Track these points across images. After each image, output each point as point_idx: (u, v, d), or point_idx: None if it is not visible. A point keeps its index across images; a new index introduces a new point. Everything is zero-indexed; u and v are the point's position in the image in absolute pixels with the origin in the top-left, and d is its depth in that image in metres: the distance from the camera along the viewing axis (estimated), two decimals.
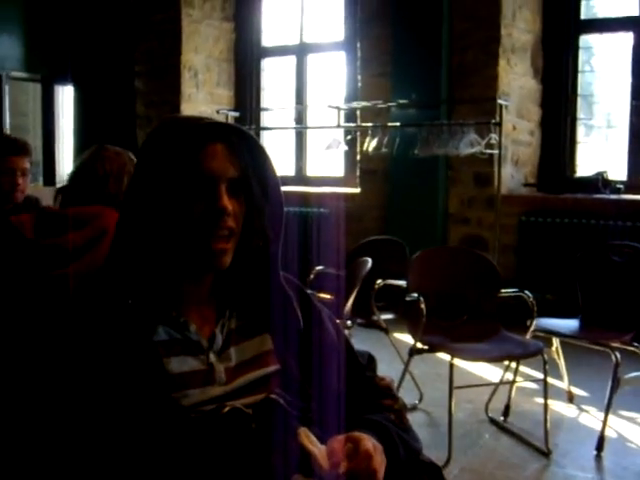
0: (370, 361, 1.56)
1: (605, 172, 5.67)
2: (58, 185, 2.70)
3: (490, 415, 3.74)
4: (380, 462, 1.20)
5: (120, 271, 1.27)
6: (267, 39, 7.49)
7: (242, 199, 1.30)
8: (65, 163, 7.96)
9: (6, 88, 7.41)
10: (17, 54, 7.45)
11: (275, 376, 1.32)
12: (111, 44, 7.25)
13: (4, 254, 2.43)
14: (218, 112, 6.80)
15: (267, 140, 7.45)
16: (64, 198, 2.48)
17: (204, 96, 7.30)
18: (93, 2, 7.31)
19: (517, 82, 5.93)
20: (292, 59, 7.27)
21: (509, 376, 3.80)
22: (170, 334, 1.27)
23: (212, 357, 1.29)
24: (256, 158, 1.32)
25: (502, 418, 3.71)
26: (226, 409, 1.21)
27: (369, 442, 1.20)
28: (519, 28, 5.90)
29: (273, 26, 7.48)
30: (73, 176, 2.50)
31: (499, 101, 5.51)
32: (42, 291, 2.35)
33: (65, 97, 7.88)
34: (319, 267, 4.31)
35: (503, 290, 3.79)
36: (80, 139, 7.70)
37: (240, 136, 1.30)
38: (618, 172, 5.80)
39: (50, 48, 7.65)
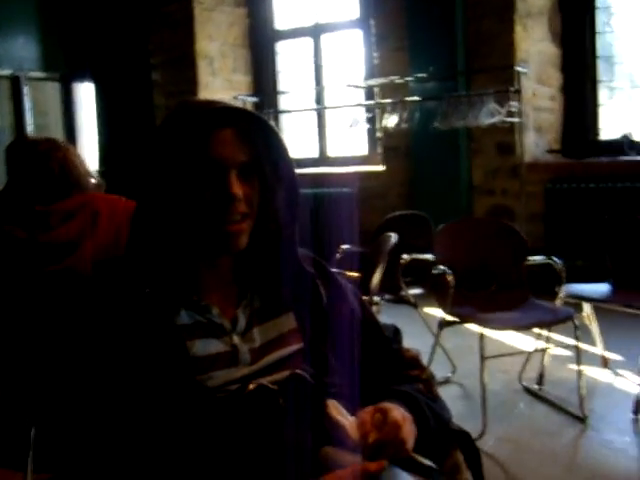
0: (396, 333, 1.56)
1: (630, 134, 5.58)
2: None
3: (524, 384, 3.72)
4: (409, 432, 1.21)
5: (139, 258, 1.28)
6: (281, 22, 7.46)
7: (256, 182, 1.29)
8: (88, 159, 8.02)
9: (25, 89, 7.47)
10: (34, 55, 7.50)
11: (299, 354, 1.32)
12: (126, 38, 7.27)
13: (4, 260, 2.47)
14: (236, 98, 6.81)
15: (287, 123, 7.45)
16: (34, 200, 2.46)
17: (221, 83, 7.30)
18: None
19: (535, 47, 5.84)
20: (308, 40, 7.23)
21: (541, 344, 3.77)
22: (193, 317, 1.27)
23: (236, 339, 1.29)
24: (268, 141, 1.30)
25: (536, 386, 3.69)
26: (252, 386, 1.22)
27: (398, 412, 1.21)
28: None
29: (286, 8, 7.44)
30: (25, 179, 2.49)
31: (517, 68, 5.45)
32: (42, 287, 2.38)
33: (85, 94, 7.93)
34: (345, 246, 4.31)
35: (531, 258, 3.76)
36: (102, 134, 7.76)
37: (250, 120, 1.28)
38: None
39: (67, 47, 7.69)
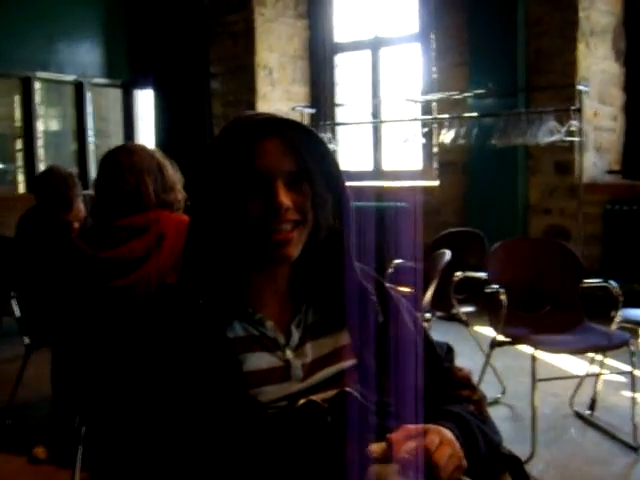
0: (448, 352, 1.53)
1: None
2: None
3: (575, 409, 3.64)
4: (445, 455, 1.16)
5: (193, 271, 1.29)
6: (341, 34, 7.49)
7: (307, 190, 1.28)
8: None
9: (88, 94, 7.63)
10: (98, 61, 7.67)
11: (352, 371, 1.30)
12: (187, 47, 7.37)
13: (70, 271, 2.51)
14: (294, 109, 6.84)
15: (343, 136, 7.46)
16: (106, 214, 2.48)
17: (280, 94, 7.35)
18: (168, 8, 7.45)
19: (598, 66, 5.74)
20: (366, 53, 7.24)
21: (594, 369, 3.69)
22: (247, 330, 1.27)
23: (289, 353, 1.28)
24: (316, 150, 1.29)
25: (588, 412, 3.61)
26: (301, 402, 1.21)
27: (435, 436, 1.17)
28: (599, 10, 5.71)
29: (346, 21, 7.47)
30: (102, 193, 2.50)
31: (579, 87, 5.36)
32: (105, 303, 2.41)
33: (144, 101, 8.07)
34: (397, 260, 4.28)
35: (587, 280, 3.68)
36: (161, 141, 7.88)
37: (296, 129, 1.27)
38: None
39: (130, 54, 7.85)
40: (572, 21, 5.59)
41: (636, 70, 5.84)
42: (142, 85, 7.96)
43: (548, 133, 5.32)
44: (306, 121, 6.80)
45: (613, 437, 3.33)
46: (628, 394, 3.45)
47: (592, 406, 3.62)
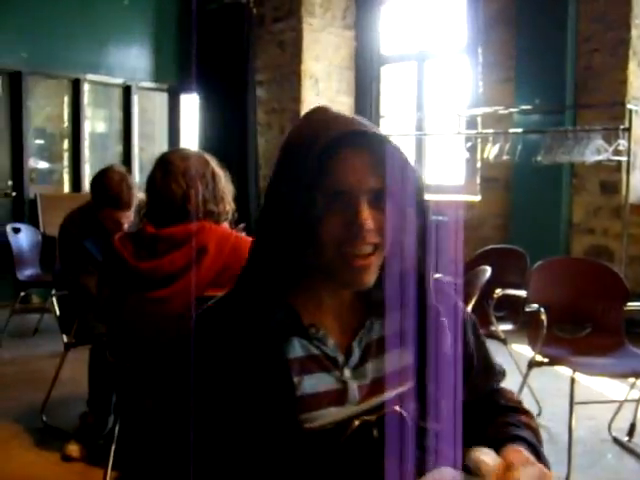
0: (502, 373, 1.48)
1: None
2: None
3: (613, 434, 3.57)
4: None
5: (254, 284, 1.18)
6: (387, 46, 7.48)
7: (386, 211, 1.16)
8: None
9: (135, 98, 7.73)
10: (146, 66, 7.76)
11: (408, 394, 1.24)
12: (234, 54, 7.43)
13: (111, 277, 2.52)
14: None
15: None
16: (151, 221, 2.48)
17: (324, 103, 7.32)
18: (216, 15, 7.52)
19: None
20: (413, 65, 7.22)
21: (635, 394, 3.61)
22: (306, 349, 1.19)
23: (347, 374, 1.21)
24: (399, 167, 1.17)
25: (627, 438, 3.53)
26: (356, 423, 1.18)
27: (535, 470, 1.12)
28: None
29: (393, 33, 7.46)
30: (151, 198, 2.50)
31: (629, 106, 5.28)
32: (142, 312, 2.41)
33: (190, 106, 8.14)
34: (437, 275, 4.24)
35: (630, 303, 3.61)
36: (205, 146, 7.93)
37: (383, 143, 1.15)
38: None
39: (177, 60, 7.93)
40: (624, 39, 5.51)
41: None
42: (188, 90, 8.03)
43: (595, 152, 5.24)
44: None
45: None
46: None
47: (631, 432, 3.54)
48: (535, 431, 1.30)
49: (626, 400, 3.63)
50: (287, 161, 1.17)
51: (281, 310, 1.17)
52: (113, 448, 2.89)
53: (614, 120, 5.33)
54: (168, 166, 2.46)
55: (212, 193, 2.47)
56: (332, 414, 1.17)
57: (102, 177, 3.48)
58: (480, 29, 6.41)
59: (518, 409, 1.35)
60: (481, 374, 1.35)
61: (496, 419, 1.31)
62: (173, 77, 7.98)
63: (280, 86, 7.37)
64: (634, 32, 5.52)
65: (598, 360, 3.38)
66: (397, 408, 1.20)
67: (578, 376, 3.22)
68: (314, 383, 1.17)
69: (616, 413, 3.62)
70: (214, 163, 2.55)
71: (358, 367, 1.22)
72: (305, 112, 1.23)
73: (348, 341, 1.23)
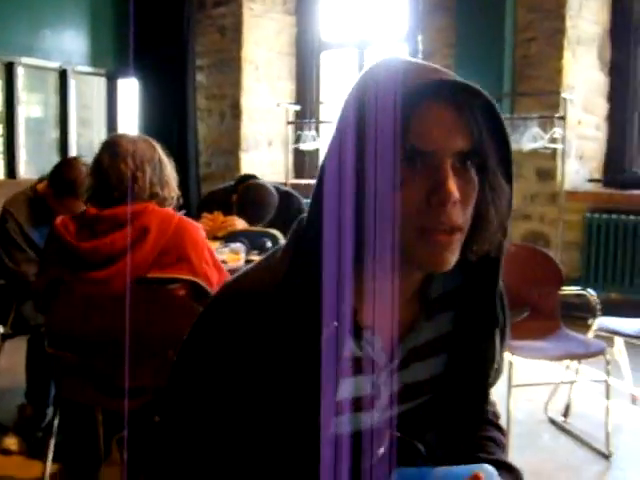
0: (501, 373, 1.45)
1: None
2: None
3: (550, 415, 3.67)
4: None
5: (302, 272, 0.99)
6: (328, 33, 7.48)
7: (473, 179, 0.98)
8: None
9: (72, 82, 7.56)
10: (83, 49, 7.60)
11: (423, 406, 1.15)
12: (173, 38, 7.32)
13: (51, 263, 2.50)
14: (278, 105, 6.82)
15: (327, 134, 7.45)
16: (96, 201, 2.48)
17: (265, 89, 7.32)
18: None
19: (583, 75, 5.78)
20: (353, 52, 7.24)
21: (570, 376, 3.71)
22: (349, 350, 1.03)
23: (383, 378, 1.08)
24: (491, 125, 0.98)
25: (562, 418, 3.63)
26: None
27: None
28: (586, 19, 5.75)
29: (334, 20, 7.46)
30: (97, 180, 2.49)
31: (563, 95, 5.39)
32: (81, 293, 2.39)
33: (129, 91, 8.01)
34: None
35: (565, 288, 3.70)
36: (144, 132, 7.82)
37: (473, 95, 0.96)
38: None
39: (114, 44, 7.78)
40: (559, 29, 5.61)
41: (621, 80, 5.88)
42: (126, 75, 7.89)
43: (531, 139, 5.35)
44: (290, 118, 6.78)
45: (586, 444, 3.36)
46: (602, 401, 3.48)
47: (566, 413, 3.65)
48: (504, 448, 1.26)
49: (562, 382, 3.73)
50: (358, 115, 0.95)
51: (338, 307, 0.97)
52: (52, 441, 2.85)
53: (550, 108, 5.44)
54: (116, 148, 2.46)
55: (158, 177, 2.47)
56: (354, 420, 1.06)
57: (68, 167, 3.43)
58: (420, 17, 6.45)
59: (500, 426, 1.30)
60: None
61: (482, 431, 1.25)
62: (111, 61, 7.82)
63: (220, 71, 7.30)
64: (569, 22, 5.62)
65: (535, 343, 3.46)
66: (398, 434, 1.11)
67: (516, 359, 3.30)
68: (347, 388, 1.04)
69: (552, 395, 3.72)
70: (160, 150, 2.55)
71: (395, 372, 1.09)
72: (376, 60, 1.02)
73: (396, 342, 1.08)
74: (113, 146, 2.48)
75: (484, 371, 1.15)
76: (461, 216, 0.96)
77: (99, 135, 7.78)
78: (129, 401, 2.38)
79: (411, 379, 1.11)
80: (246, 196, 3.99)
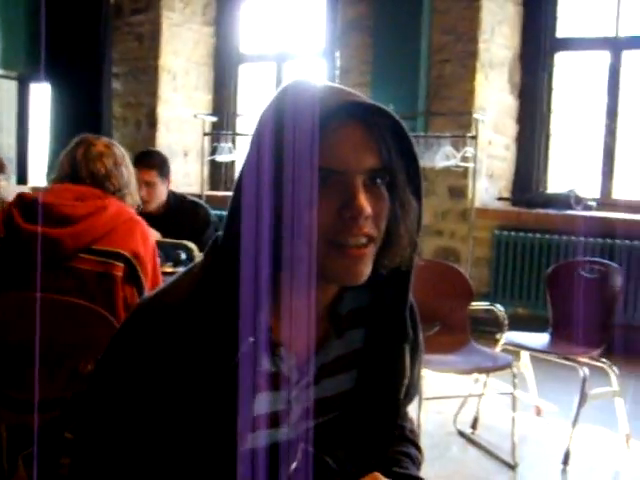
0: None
1: (575, 189, 5.73)
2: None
3: (458, 427, 3.76)
4: None
5: (215, 287, 1.01)
6: (246, 45, 7.49)
7: (383, 195, 1.02)
8: (38, 162, 7.89)
9: None
10: None
11: (343, 419, 1.16)
12: (89, 44, 7.19)
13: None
14: (195, 116, 6.78)
15: (242, 146, 7.45)
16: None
17: (182, 100, 7.27)
18: (70, 1, 7.25)
19: (494, 97, 5.98)
20: (272, 65, 7.27)
21: (478, 388, 3.81)
22: (265, 365, 1.05)
23: (295, 394, 1.09)
24: (400, 145, 1.02)
25: (470, 430, 3.72)
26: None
27: None
28: (498, 44, 5.95)
29: (253, 32, 7.48)
30: (69, 169, 2.53)
31: (475, 115, 5.56)
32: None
33: (41, 96, 7.81)
34: None
35: (474, 303, 3.81)
36: (56, 138, 7.64)
37: (382, 116, 1.00)
38: (590, 190, 5.88)
39: (26, 46, 7.58)
40: (472, 52, 5.79)
41: (529, 103, 6.11)
42: (39, 79, 7.70)
43: (444, 157, 5.48)
44: (207, 130, 6.75)
45: (493, 455, 3.45)
46: (508, 413, 3.58)
47: (474, 425, 3.74)
48: (420, 465, 1.28)
49: (470, 395, 3.83)
50: (271, 136, 0.99)
51: (253, 323, 0.99)
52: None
53: (462, 128, 5.60)
54: (91, 147, 2.52)
55: (126, 183, 2.56)
56: (268, 436, 1.07)
57: None
58: (338, 33, 6.54)
59: (416, 444, 1.31)
60: (406, 397, 1.24)
61: (397, 447, 1.26)
62: (22, 65, 7.62)
63: (137, 80, 7.21)
64: (482, 46, 5.81)
65: (445, 357, 3.54)
66: (310, 448, 1.12)
67: (426, 373, 3.37)
68: (261, 404, 1.05)
69: (461, 407, 3.81)
70: (128, 159, 2.63)
71: (307, 388, 1.10)
72: (287, 82, 1.06)
73: (308, 359, 1.10)
74: (88, 144, 2.54)
75: (394, 387, 1.16)
76: (373, 228, 1.00)
77: (8, 140, 7.56)
78: (36, 415, 2.32)
79: (321, 395, 1.12)
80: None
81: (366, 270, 1.01)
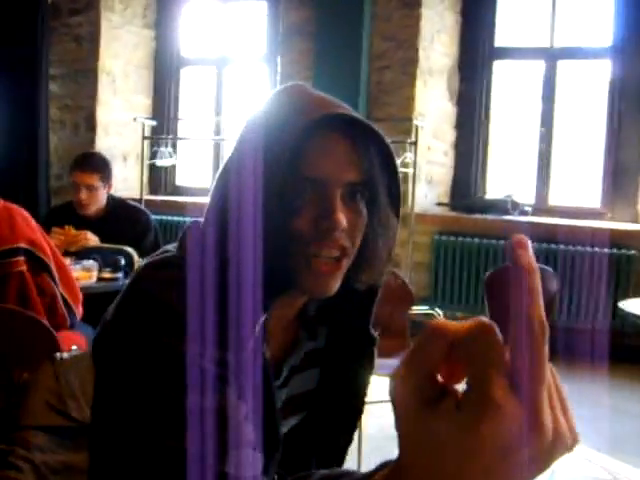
0: None
1: (513, 195, 5.85)
2: None
3: None
4: None
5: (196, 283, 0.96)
6: (187, 48, 7.44)
7: (361, 211, 1.02)
8: None
9: None
10: None
11: (309, 420, 1.16)
12: (24, 44, 7.03)
13: None
14: (135, 120, 6.70)
15: (183, 150, 7.39)
16: None
17: (121, 103, 7.17)
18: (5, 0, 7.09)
19: (433, 104, 6.06)
20: (212, 69, 7.24)
21: None
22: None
23: None
24: (383, 162, 1.02)
25: None
26: None
27: None
28: (437, 51, 6.04)
29: (194, 35, 7.43)
30: None
31: (415, 122, 5.62)
32: None
33: None
34: None
35: (414, 307, 3.84)
36: None
37: (366, 130, 1.00)
38: (526, 195, 6.01)
39: None
40: (412, 59, 5.86)
41: (467, 110, 6.22)
42: None
43: None
44: (147, 133, 6.67)
45: None
46: None
47: None
48: None
49: None
50: (258, 142, 0.97)
51: (253, 323, 0.98)
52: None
53: (402, 134, 5.65)
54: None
55: None
56: None
57: None
58: (280, 38, 6.54)
59: None
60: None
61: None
62: None
63: (75, 82, 7.08)
64: (421, 53, 5.89)
65: (385, 361, 3.53)
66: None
67: None
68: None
69: None
70: None
71: (282, 386, 1.11)
72: (278, 88, 1.07)
73: (280, 356, 1.11)
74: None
75: (356, 389, 1.20)
76: (348, 242, 0.99)
77: None
78: None
79: (290, 393, 1.13)
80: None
81: (336, 285, 1.01)
